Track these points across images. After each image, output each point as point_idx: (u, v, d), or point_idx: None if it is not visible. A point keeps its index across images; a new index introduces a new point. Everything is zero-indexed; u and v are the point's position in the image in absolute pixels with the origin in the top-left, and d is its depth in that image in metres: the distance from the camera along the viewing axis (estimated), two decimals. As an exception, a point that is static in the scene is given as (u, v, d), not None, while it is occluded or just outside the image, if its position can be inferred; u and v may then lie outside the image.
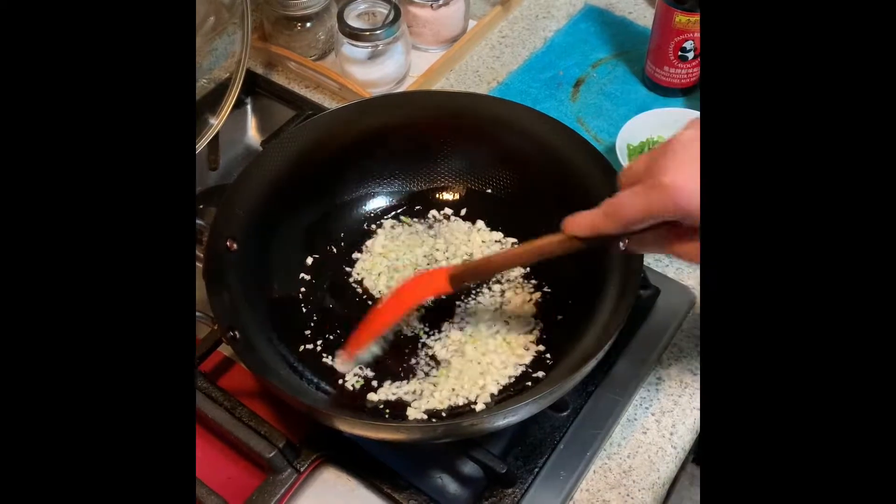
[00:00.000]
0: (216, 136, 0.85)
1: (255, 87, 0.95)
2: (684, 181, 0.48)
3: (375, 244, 0.77)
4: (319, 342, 0.70)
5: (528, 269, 0.74)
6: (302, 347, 0.70)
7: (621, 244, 0.56)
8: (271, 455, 0.62)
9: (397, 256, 0.75)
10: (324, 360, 0.69)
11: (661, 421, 0.68)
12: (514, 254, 0.63)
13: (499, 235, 0.77)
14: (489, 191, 0.79)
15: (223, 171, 0.90)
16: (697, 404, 0.69)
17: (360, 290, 0.74)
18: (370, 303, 0.73)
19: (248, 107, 0.95)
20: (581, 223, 0.55)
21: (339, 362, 0.69)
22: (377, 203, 0.79)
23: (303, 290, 0.74)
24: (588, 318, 0.66)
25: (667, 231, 0.52)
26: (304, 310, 0.73)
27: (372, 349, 0.69)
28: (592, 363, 0.57)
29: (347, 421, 0.59)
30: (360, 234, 0.78)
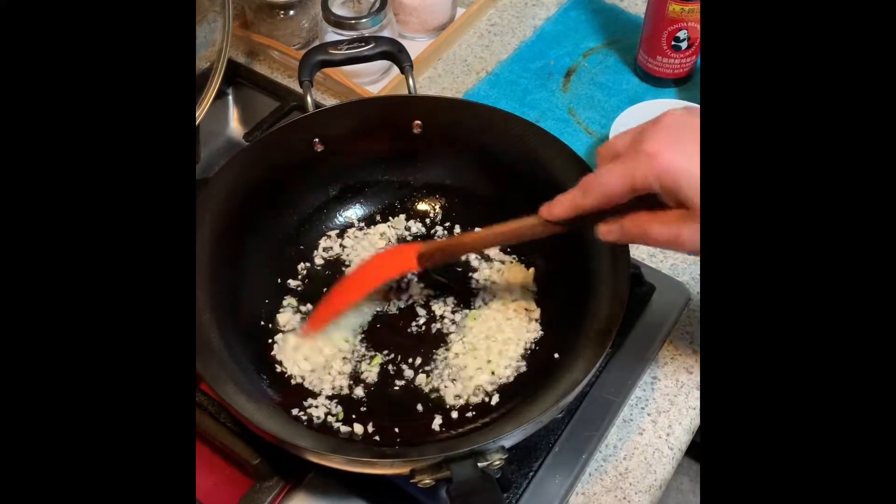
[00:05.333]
0: (196, 129, 0.82)
1: (237, 77, 0.92)
2: (669, 153, 0.48)
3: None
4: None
5: (526, 287, 0.72)
6: (277, 369, 0.67)
7: (599, 229, 0.54)
8: (257, 462, 0.60)
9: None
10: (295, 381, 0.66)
11: (658, 421, 0.67)
12: (487, 234, 0.61)
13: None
14: (468, 196, 0.76)
15: (204, 164, 0.87)
16: (694, 403, 0.68)
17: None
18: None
19: (230, 97, 0.93)
20: (560, 203, 0.54)
21: (293, 341, 0.66)
22: (353, 212, 0.77)
23: (274, 308, 0.71)
24: (580, 324, 0.64)
25: (645, 215, 0.51)
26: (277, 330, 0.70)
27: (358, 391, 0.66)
28: (583, 383, 0.57)
29: (321, 455, 0.55)
30: (334, 243, 0.76)
